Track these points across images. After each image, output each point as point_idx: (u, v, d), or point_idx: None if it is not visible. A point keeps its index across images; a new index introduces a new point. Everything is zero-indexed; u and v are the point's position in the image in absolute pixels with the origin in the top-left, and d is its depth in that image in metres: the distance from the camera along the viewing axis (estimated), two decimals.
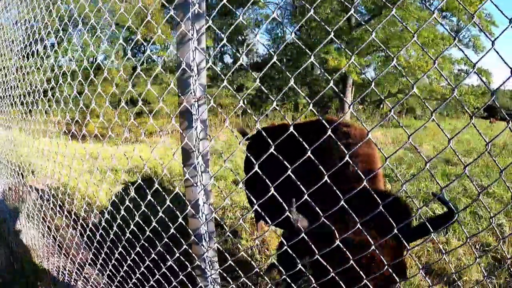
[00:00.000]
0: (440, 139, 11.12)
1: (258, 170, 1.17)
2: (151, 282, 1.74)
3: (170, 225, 1.46)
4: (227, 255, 1.37)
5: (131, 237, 1.74)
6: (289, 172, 1.11)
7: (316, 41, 16.33)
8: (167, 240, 1.50)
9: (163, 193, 1.51)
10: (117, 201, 1.85)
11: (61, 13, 2.04)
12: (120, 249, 1.84)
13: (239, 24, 18.78)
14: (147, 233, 1.57)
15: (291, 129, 1.11)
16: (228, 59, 25.58)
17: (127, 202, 1.62)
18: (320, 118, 1.17)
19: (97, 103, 1.55)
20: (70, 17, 2.03)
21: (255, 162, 1.16)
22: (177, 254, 1.47)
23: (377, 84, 17.83)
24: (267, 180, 1.18)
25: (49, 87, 2.26)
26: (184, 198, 1.42)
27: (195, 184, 1.35)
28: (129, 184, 4.04)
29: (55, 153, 2.49)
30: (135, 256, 1.77)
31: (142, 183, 1.57)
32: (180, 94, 1.28)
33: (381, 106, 20.22)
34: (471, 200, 4.77)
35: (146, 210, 1.55)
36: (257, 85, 1.23)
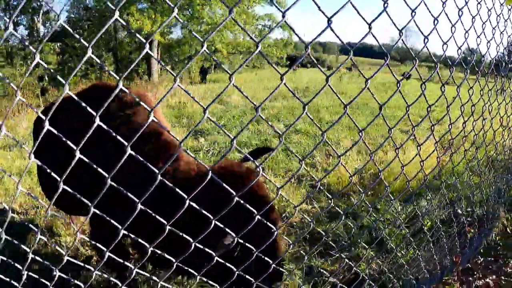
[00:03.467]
0: (248, 90, 11.97)
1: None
2: None
3: None
4: None
5: None
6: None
7: (117, 3, 14.71)
8: None
9: None
10: None
11: None
12: None
13: None
14: None
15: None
16: (22, 30, 21.13)
17: None
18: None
19: None
20: None
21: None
22: None
23: (184, 44, 17.63)
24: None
25: None
26: None
27: None
28: None
29: None
30: None
31: None
32: None
33: (189, 63, 20.20)
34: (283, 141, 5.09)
35: None
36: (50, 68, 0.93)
